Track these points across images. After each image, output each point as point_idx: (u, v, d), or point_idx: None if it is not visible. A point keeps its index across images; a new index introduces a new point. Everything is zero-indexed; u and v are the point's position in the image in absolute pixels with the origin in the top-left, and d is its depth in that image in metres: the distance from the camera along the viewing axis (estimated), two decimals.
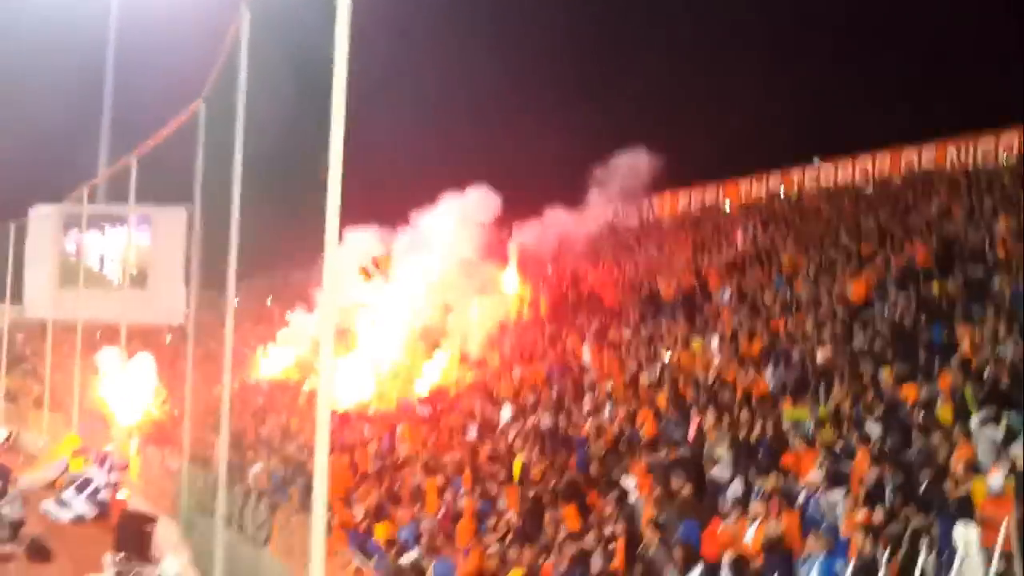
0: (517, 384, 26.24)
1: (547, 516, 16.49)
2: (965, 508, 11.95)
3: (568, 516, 16.12)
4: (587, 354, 26.58)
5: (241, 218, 20.91)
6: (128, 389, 38.93)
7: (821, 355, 19.51)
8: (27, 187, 60.76)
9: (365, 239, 35.33)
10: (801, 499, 14.03)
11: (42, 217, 58.81)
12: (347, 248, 32.65)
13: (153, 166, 36.46)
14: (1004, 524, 11.45)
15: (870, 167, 38.95)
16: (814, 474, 14.04)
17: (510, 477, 19.19)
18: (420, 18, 49.33)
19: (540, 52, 49.43)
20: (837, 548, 12.40)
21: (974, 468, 12.81)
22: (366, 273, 35.73)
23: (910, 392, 16.13)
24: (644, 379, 22.65)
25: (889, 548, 11.94)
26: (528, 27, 49.45)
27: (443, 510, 19.04)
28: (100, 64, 67.62)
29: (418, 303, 33.98)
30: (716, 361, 21.87)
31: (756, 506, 13.74)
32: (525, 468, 19.43)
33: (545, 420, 21.96)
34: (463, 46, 49.42)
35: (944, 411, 14.99)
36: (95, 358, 43.61)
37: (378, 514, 19.54)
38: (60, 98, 61.84)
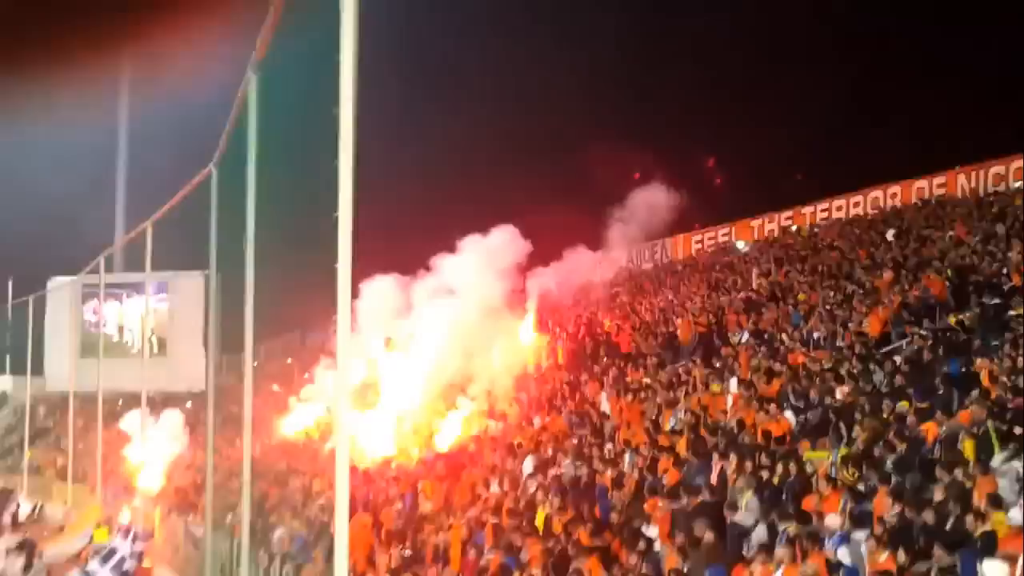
0: (537, 434, 26.10)
1: (571, 568, 16.33)
2: (989, 545, 11.79)
3: (592, 568, 15.96)
4: (605, 402, 26.46)
5: (256, 280, 20.96)
6: (151, 456, 39.01)
7: (840, 393, 19.38)
8: (44, 260, 61.25)
9: (385, 289, 35.16)
10: (829, 542, 13.84)
11: (60, 289, 59.21)
12: (365, 301, 32.78)
13: (168, 233, 36.74)
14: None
15: (881, 199, 39.00)
16: (833, 518, 13.86)
17: (533, 529, 19.01)
18: (430, 66, 49.73)
19: (553, 95, 49.73)
20: None
21: (996, 503, 12.66)
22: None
23: (931, 428, 15.96)
24: (664, 425, 22.53)
25: None
26: (540, 72, 49.74)
27: (467, 566, 18.88)
28: (112, 135, 68.33)
29: (439, 354, 33.83)
30: (735, 403, 21.73)
31: (781, 551, 13.57)
32: (548, 520, 19.28)
33: (567, 470, 21.82)
34: (471, 95, 49.80)
35: (966, 446, 14.82)
36: (120, 425, 43.81)
37: (401, 573, 19.38)
38: (74, 169, 62.49)
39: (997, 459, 14.07)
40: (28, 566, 28.42)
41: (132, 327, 61.66)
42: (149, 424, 40.20)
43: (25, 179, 61.96)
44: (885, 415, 17.25)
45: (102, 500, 39.39)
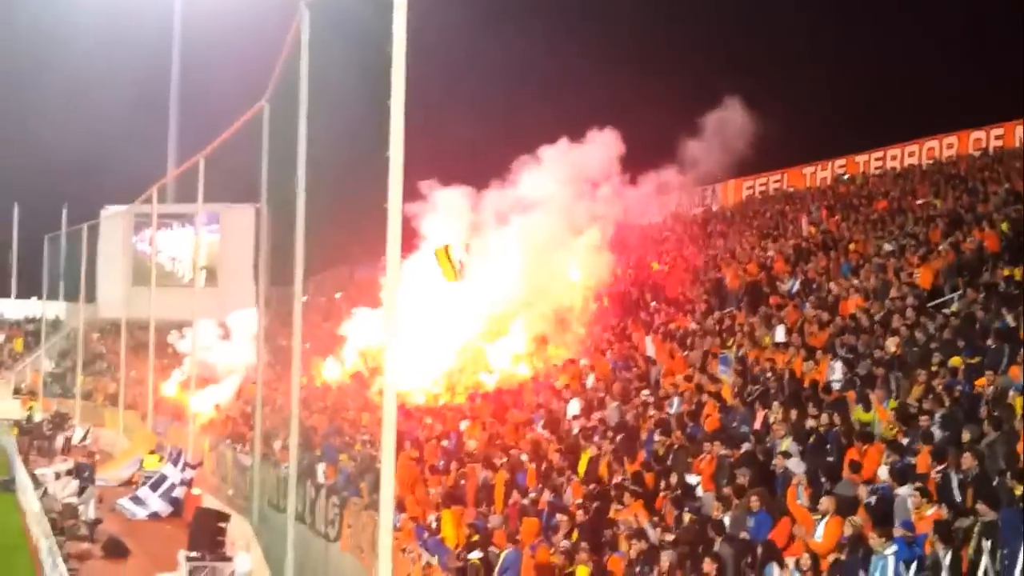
0: (583, 376, 26.20)
1: (613, 511, 16.49)
2: None
3: (635, 512, 16.08)
4: (651, 346, 26.45)
5: (307, 214, 21.15)
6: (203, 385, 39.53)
7: (891, 345, 19.26)
8: (98, 189, 61.95)
9: (455, 199, 34.96)
10: (870, 495, 13.84)
11: (113, 218, 59.80)
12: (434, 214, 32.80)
13: (220, 166, 36.98)
14: None
15: (937, 149, 38.46)
16: (882, 471, 13.88)
17: (576, 472, 19.16)
18: None
19: (614, 25, 49.38)
20: (913, 543, 12.25)
21: None
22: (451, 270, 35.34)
23: (981, 383, 15.87)
24: (710, 371, 22.54)
25: (953, 545, 11.77)
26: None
27: (510, 505, 19.08)
28: (166, 68, 68.81)
29: (493, 284, 33.71)
30: (782, 352, 21.67)
31: (825, 502, 13.62)
32: (591, 462, 19.42)
33: (612, 414, 21.93)
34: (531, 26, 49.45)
35: (1017, 403, 14.73)
36: (173, 343, 44.43)
37: (445, 509, 19.61)
38: (127, 102, 62.98)
39: None
40: (82, 489, 29.07)
41: (183, 257, 62.30)
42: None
43: (80, 110, 62.58)
44: (934, 368, 17.14)
45: (152, 427, 40.09)
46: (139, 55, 65.38)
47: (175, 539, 25.74)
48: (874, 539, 12.37)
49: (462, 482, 20.86)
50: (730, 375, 21.69)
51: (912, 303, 21.07)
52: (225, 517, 24.72)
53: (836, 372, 19.26)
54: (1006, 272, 20.78)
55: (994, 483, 12.72)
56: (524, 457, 20.72)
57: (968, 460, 13.09)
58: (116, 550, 25.72)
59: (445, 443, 24.28)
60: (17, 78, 68.30)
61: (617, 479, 17.80)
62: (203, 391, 39.45)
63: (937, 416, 15.15)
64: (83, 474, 31.41)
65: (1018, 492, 12.11)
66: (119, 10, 63.68)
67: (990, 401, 15.18)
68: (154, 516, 30.40)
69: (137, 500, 31.11)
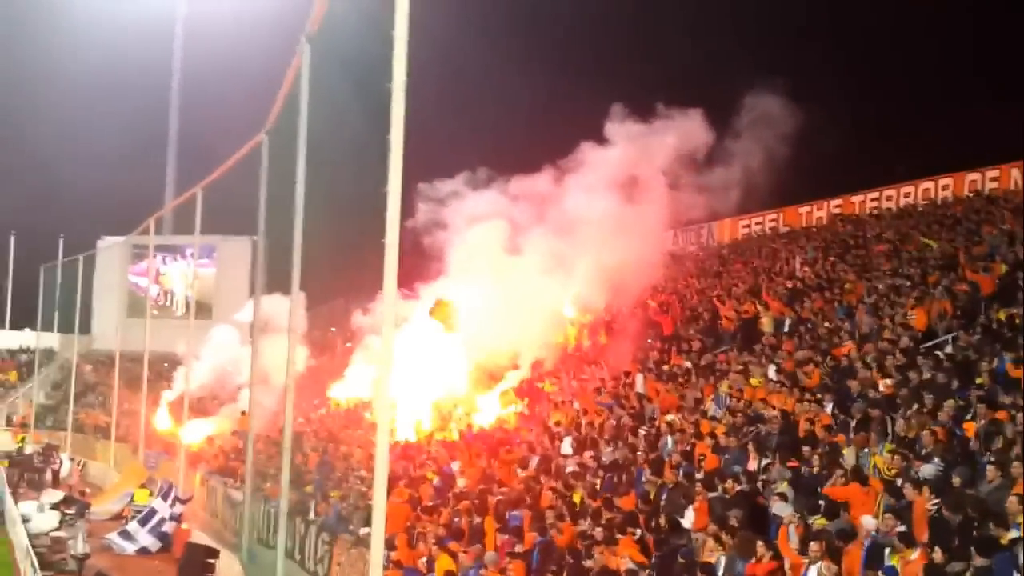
0: (577, 416, 26.12)
1: (605, 551, 16.35)
2: None
3: (626, 551, 15.96)
4: (642, 384, 26.40)
5: (304, 247, 21.14)
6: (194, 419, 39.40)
7: (883, 387, 19.23)
8: (95, 219, 62.00)
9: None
10: (864, 538, 13.77)
11: (110, 248, 59.83)
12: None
13: (218, 198, 37.00)
14: None
15: (933, 190, 38.58)
16: (870, 519, 13.80)
17: (570, 511, 19.03)
18: (483, 32, 49.47)
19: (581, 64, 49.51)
20: None
21: None
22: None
23: (971, 426, 15.82)
24: (704, 411, 22.48)
25: None
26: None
27: (502, 545, 18.93)
28: (165, 98, 69.10)
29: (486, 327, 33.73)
30: (775, 393, 21.62)
31: (814, 546, 13.53)
32: (583, 502, 19.30)
33: (604, 453, 21.85)
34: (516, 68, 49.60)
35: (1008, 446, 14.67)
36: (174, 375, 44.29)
37: (438, 549, 19.45)
38: (126, 132, 63.19)
39: None
40: (72, 523, 28.87)
41: (179, 289, 62.30)
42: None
43: (79, 140, 62.73)
44: (928, 411, 17.09)
45: (143, 460, 39.91)
46: (139, 86, 65.72)
47: (164, 574, 25.55)
48: None
49: (456, 520, 20.71)
50: (723, 415, 21.64)
51: (905, 345, 21.06)
52: (214, 553, 24.56)
53: (828, 414, 19.19)
54: (1001, 315, 20.77)
55: (986, 528, 12.68)
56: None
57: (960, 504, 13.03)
58: None
59: (436, 481, 24.14)
60: (16, 107, 68.54)
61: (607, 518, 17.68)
62: (194, 423, 39.35)
63: (935, 459, 15.09)
64: (74, 508, 31.24)
65: (1005, 540, 12.03)
66: (120, 41, 63.99)
67: (981, 442, 15.13)
68: (143, 551, 30.13)
69: (126, 535, 30.83)
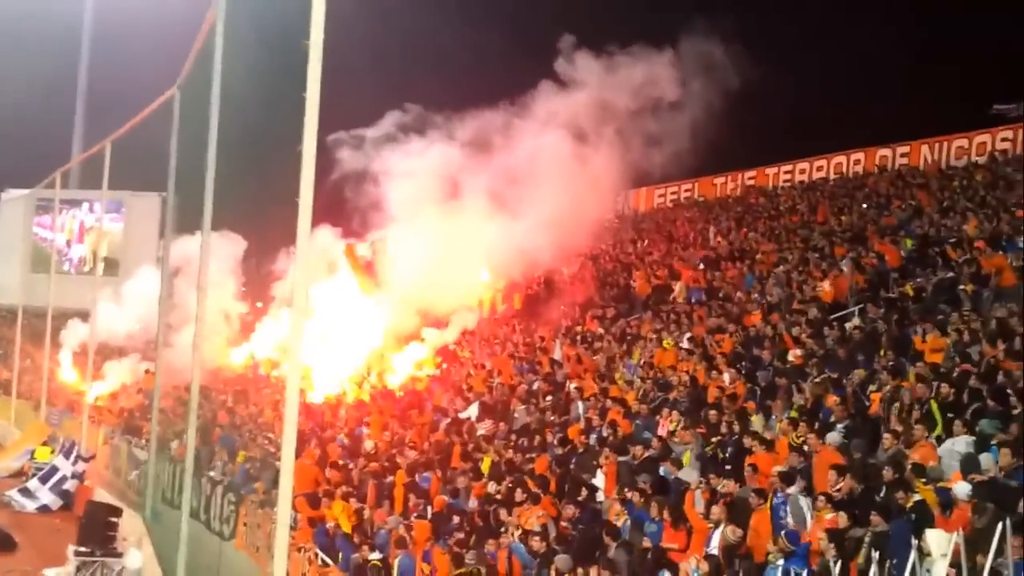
0: (488, 379, 26.14)
1: (514, 513, 16.41)
2: (923, 516, 11.94)
3: (535, 515, 16.03)
4: (559, 350, 26.51)
5: (215, 205, 20.74)
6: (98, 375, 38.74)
7: (791, 356, 19.50)
8: None
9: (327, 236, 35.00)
10: (771, 501, 13.94)
11: (14, 201, 58.36)
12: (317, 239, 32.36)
13: (127, 153, 36.18)
14: (954, 535, 11.44)
15: (845, 164, 39.16)
16: (775, 473, 13.99)
17: (478, 474, 19.07)
18: None
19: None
20: (798, 552, 12.38)
21: (920, 473, 12.85)
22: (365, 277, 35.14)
23: (877, 396, 16.11)
24: (615, 377, 22.63)
25: (843, 555, 11.92)
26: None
27: (410, 509, 18.91)
28: (75, 50, 67.30)
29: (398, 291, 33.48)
30: (686, 360, 21.83)
31: (716, 510, 13.71)
32: (494, 465, 19.35)
33: (517, 417, 21.91)
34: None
35: (911, 416, 14.96)
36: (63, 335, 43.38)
37: (344, 510, 19.37)
38: (34, 83, 61.46)
39: (939, 429, 14.26)
40: None
41: (84, 244, 61.05)
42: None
43: None
44: (833, 380, 17.36)
45: (46, 418, 39.11)
46: (47, 36, 63.84)
47: (65, 533, 25.05)
48: (771, 548, 12.50)
49: (364, 482, 20.63)
50: (635, 381, 21.81)
51: (814, 316, 21.38)
52: (117, 512, 24.10)
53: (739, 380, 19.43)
54: (908, 288, 21.16)
55: (884, 494, 12.95)
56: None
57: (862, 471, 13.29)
58: (3, 543, 24.95)
59: (345, 441, 24.04)
60: None
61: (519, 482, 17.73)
62: (99, 381, 38.69)
63: (839, 426, 15.35)
64: None
65: (908, 505, 12.28)
66: None
67: (884, 411, 15.42)
68: (44, 509, 29.53)
69: (26, 492, 30.18)
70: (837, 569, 11.81)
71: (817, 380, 17.51)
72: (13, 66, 61.20)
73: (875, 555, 11.76)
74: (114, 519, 23.37)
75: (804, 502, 13.48)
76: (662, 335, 24.37)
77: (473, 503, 17.91)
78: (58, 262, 48.79)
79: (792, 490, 13.67)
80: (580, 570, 13.69)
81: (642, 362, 23.18)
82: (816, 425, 15.62)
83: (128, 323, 42.21)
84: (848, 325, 20.15)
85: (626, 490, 15.60)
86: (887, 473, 13.19)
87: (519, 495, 16.90)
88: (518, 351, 28.23)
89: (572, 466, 18.02)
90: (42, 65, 62.57)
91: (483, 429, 21.96)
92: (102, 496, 27.29)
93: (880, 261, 23.40)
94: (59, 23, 64.10)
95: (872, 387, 16.60)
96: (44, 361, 40.97)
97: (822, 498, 13.10)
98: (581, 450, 18.53)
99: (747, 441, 15.77)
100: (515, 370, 26.19)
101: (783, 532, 12.75)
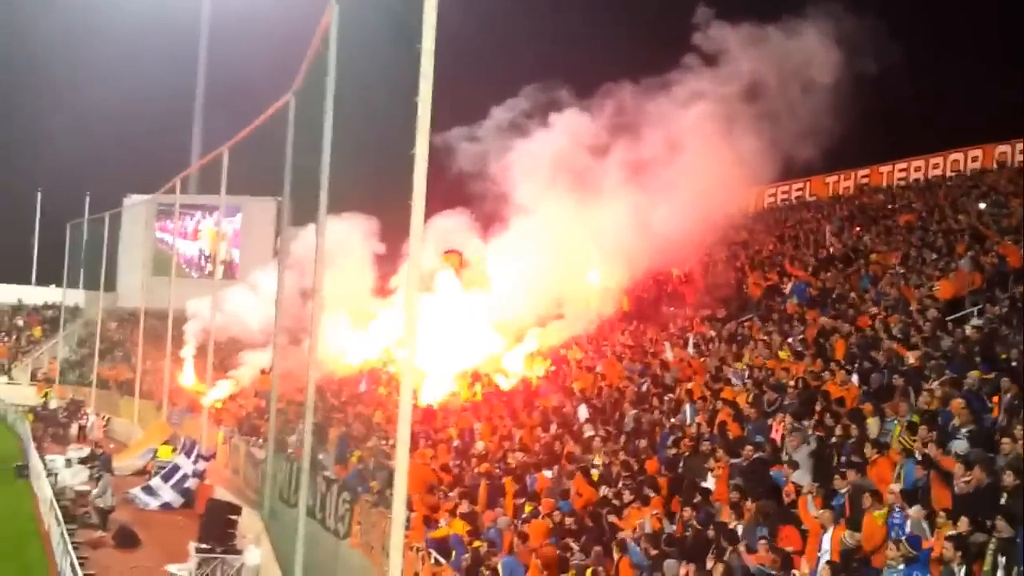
0: (598, 380, 26.11)
1: (623, 516, 16.42)
2: None
3: (644, 515, 16.01)
4: (669, 351, 26.38)
5: (330, 208, 21.13)
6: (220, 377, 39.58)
7: (911, 358, 19.08)
8: (121, 178, 62.20)
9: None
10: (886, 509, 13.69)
11: (136, 207, 60.05)
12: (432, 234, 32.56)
13: (244, 158, 37.02)
14: None
15: (962, 162, 38.27)
16: (895, 486, 13.73)
17: (588, 476, 19.07)
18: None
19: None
20: (920, 559, 12.14)
21: None
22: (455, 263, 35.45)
23: (996, 399, 15.72)
24: (726, 379, 22.42)
25: (967, 560, 11.65)
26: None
27: (520, 508, 19.01)
28: (193, 59, 69.02)
29: (514, 294, 33.52)
30: (799, 362, 21.53)
31: (825, 514, 13.53)
32: (605, 467, 19.34)
33: (627, 419, 21.86)
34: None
35: None
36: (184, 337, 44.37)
37: (456, 511, 19.56)
38: (154, 91, 63.28)
39: None
40: (98, 478, 29.13)
41: (203, 247, 62.53)
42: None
43: (106, 98, 62.83)
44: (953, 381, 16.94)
45: (167, 417, 40.16)
46: (167, 45, 65.68)
47: (186, 530, 25.76)
48: (892, 552, 12.29)
49: (475, 483, 20.78)
50: (746, 383, 21.58)
51: (931, 316, 20.91)
52: (236, 510, 24.72)
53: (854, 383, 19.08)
54: None
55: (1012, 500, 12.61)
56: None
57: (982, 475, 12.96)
58: (127, 540, 25.78)
59: (457, 443, 24.25)
60: (45, 65, 68.68)
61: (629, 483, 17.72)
62: (219, 383, 39.54)
63: (963, 431, 14.98)
64: (99, 462, 31.53)
65: None
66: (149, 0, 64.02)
67: (1005, 414, 15.03)
68: (166, 507, 30.44)
69: (149, 490, 31.14)
70: (962, 574, 11.56)
71: (938, 383, 17.09)
72: (134, 75, 63.10)
73: (1002, 560, 11.47)
74: (234, 517, 23.99)
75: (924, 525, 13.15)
76: (774, 336, 24.08)
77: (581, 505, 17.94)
78: (178, 265, 50.05)
79: (913, 511, 13.24)
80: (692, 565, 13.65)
81: (751, 364, 22.91)
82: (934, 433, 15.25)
83: (246, 325, 43.02)
84: (966, 327, 19.69)
85: (738, 493, 15.48)
86: (1008, 478, 12.87)
87: (628, 496, 16.90)
88: (629, 353, 28.13)
89: (681, 468, 17.94)
90: (162, 74, 64.35)
91: (591, 431, 21.94)
92: (222, 494, 27.99)
93: (1000, 261, 22.79)
94: (178, 33, 65.82)
95: (987, 390, 16.17)
96: (165, 362, 42.04)
97: (943, 514, 12.77)
98: (688, 453, 18.42)
99: (867, 451, 15.40)
100: (625, 372, 26.11)
101: (904, 537, 12.50)
